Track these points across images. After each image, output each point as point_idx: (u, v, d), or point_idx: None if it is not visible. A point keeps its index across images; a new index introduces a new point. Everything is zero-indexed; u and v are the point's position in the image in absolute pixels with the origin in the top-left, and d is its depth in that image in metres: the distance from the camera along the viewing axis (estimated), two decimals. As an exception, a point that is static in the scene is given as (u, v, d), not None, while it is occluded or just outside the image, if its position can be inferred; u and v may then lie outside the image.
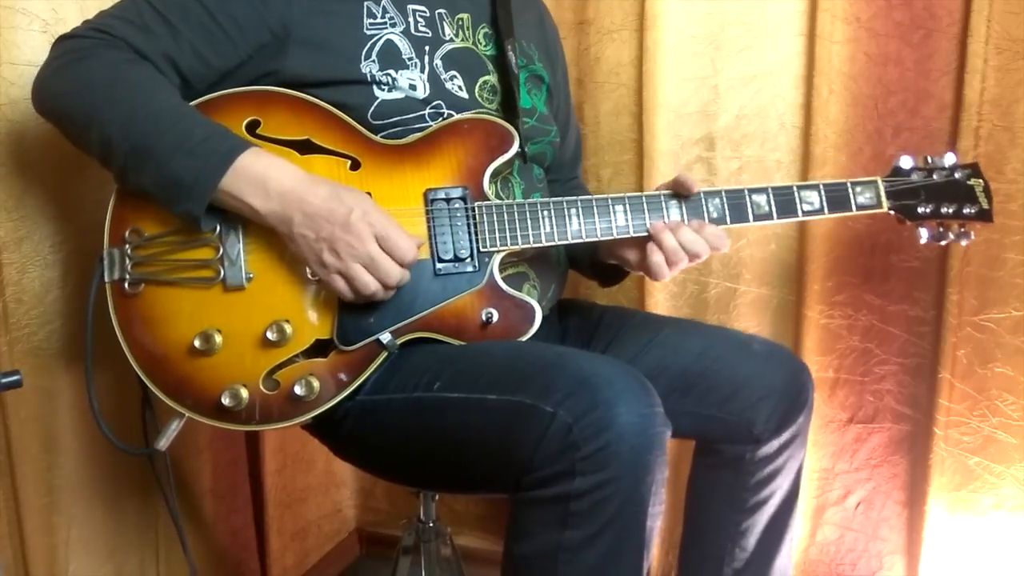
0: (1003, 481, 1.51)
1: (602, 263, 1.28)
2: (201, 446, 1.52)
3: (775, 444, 1.22)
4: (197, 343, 1.03)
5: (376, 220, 1.02)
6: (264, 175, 1.01)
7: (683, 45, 1.56)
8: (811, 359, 1.57)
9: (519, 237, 1.10)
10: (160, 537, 1.44)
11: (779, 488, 1.26)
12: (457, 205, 1.10)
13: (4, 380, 0.94)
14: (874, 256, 1.53)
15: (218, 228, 1.05)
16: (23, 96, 1.16)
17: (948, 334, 1.46)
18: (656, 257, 1.12)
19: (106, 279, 1.06)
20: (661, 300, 1.63)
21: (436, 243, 1.09)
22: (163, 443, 1.10)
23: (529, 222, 1.11)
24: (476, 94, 1.19)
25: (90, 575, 1.33)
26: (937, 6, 1.42)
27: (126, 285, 1.06)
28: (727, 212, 1.15)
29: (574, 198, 1.12)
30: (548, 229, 1.11)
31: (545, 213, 1.11)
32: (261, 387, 1.04)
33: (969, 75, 1.38)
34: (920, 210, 1.19)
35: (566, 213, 1.12)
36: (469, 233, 1.10)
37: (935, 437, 1.50)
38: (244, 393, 1.03)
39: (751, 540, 1.27)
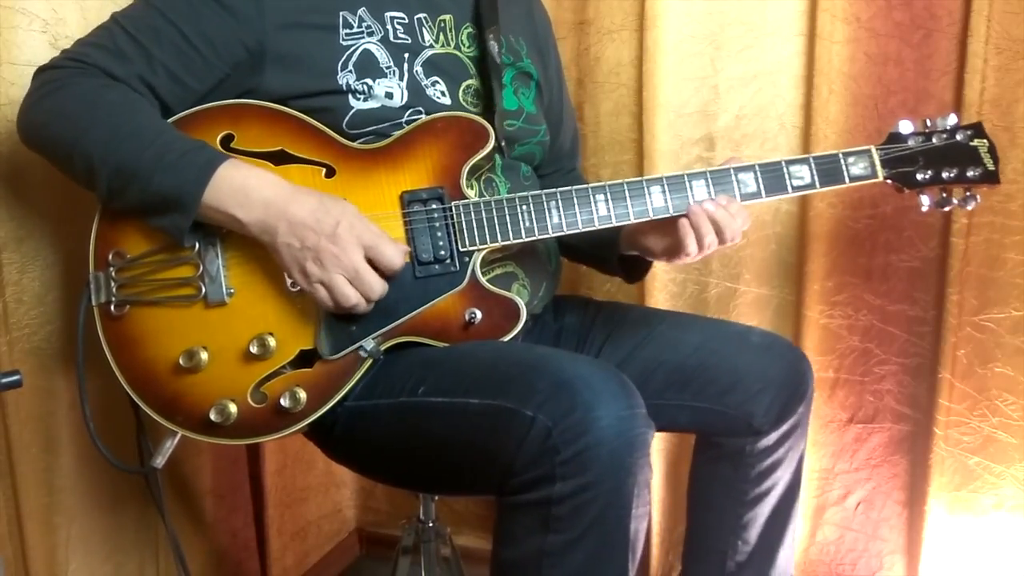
0: (1003, 481, 1.51)
1: (625, 256, 1.26)
2: (201, 447, 1.52)
3: (775, 435, 1.22)
4: (182, 361, 1.04)
5: (363, 231, 1.02)
6: (244, 185, 1.01)
7: (683, 45, 1.56)
8: (811, 359, 1.55)
9: (498, 234, 1.09)
10: (160, 537, 1.44)
11: (780, 480, 1.26)
12: (434, 206, 1.09)
13: (4, 380, 0.94)
14: (874, 256, 1.53)
15: (197, 246, 1.06)
16: (23, 96, 1.16)
17: (948, 334, 1.46)
18: (689, 237, 1.10)
19: (93, 302, 1.07)
20: (661, 300, 1.63)
21: (415, 246, 1.08)
22: (159, 461, 1.11)
23: (508, 218, 1.09)
24: (460, 99, 1.18)
25: (90, 575, 1.33)
26: (937, 6, 1.42)
27: (112, 308, 1.06)
28: (712, 194, 1.12)
29: (553, 190, 1.11)
30: (528, 224, 1.10)
31: (524, 208, 1.10)
32: (249, 401, 1.04)
33: (969, 75, 1.38)
34: (919, 177, 1.13)
35: (545, 207, 1.10)
36: (448, 233, 1.09)
37: (935, 437, 1.50)
38: (232, 408, 1.03)
39: (753, 532, 1.27)
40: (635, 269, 1.32)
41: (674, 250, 1.14)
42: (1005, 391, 1.48)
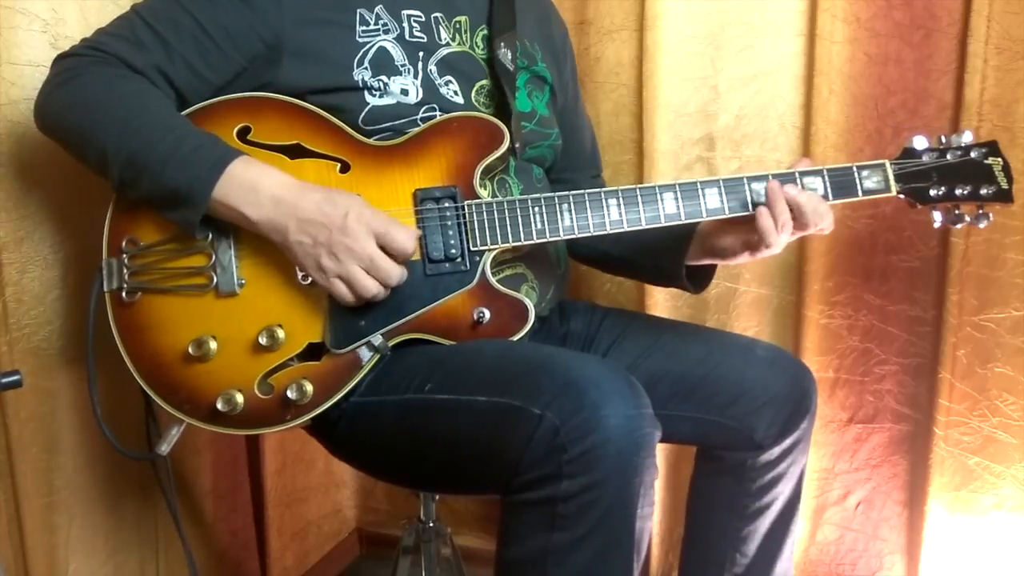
0: (1003, 481, 1.51)
1: (696, 268, 1.24)
2: (201, 446, 1.52)
3: (777, 450, 1.22)
4: (191, 349, 1.04)
5: (372, 220, 1.02)
6: (255, 183, 1.02)
7: (683, 45, 1.56)
8: (811, 359, 1.57)
9: (510, 235, 1.10)
10: (160, 537, 1.44)
11: (781, 494, 1.26)
12: (447, 204, 1.09)
13: (4, 380, 0.94)
14: (874, 256, 1.53)
15: (210, 236, 1.06)
16: (23, 96, 1.16)
17: (948, 334, 1.46)
18: (767, 222, 1.09)
19: (105, 288, 1.07)
20: (661, 300, 1.63)
21: (426, 243, 1.08)
22: (164, 448, 1.11)
23: (520, 219, 1.10)
24: (472, 99, 1.19)
25: (90, 575, 1.33)
26: (937, 6, 1.42)
27: (124, 294, 1.07)
28: (726, 202, 1.12)
29: (565, 193, 1.11)
30: (539, 226, 1.10)
31: (536, 210, 1.10)
32: (256, 391, 1.05)
33: (969, 75, 1.38)
34: (932, 192, 1.13)
35: (557, 209, 1.10)
36: (460, 232, 1.09)
37: (935, 437, 1.50)
38: (239, 398, 1.04)
39: (752, 546, 1.27)
40: (700, 278, 1.29)
41: (754, 242, 1.12)
42: (1005, 391, 1.48)
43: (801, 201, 1.09)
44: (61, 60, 1.08)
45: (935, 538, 1.55)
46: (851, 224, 1.53)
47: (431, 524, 1.40)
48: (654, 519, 1.70)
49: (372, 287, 1.02)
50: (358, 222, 1.01)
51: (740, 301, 1.63)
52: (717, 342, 1.29)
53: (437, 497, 1.42)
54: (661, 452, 1.67)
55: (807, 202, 1.09)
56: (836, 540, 1.66)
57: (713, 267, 1.27)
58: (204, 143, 1.03)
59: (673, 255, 1.23)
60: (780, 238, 1.10)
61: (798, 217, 1.09)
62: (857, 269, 1.54)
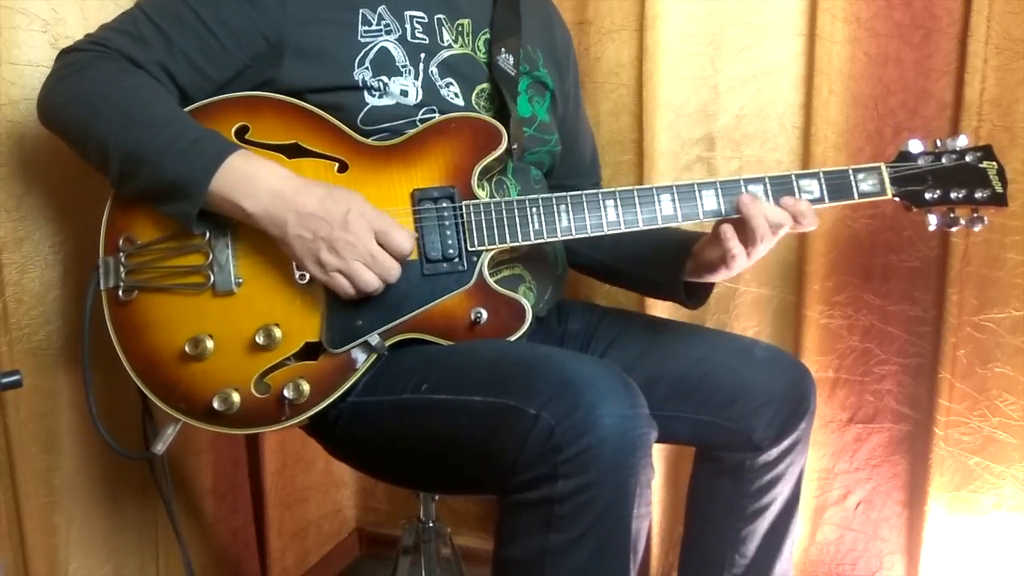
0: (1003, 481, 1.51)
1: (694, 283, 1.24)
2: (201, 446, 1.52)
3: (776, 451, 1.22)
4: (188, 348, 1.04)
5: (373, 217, 1.02)
6: (254, 176, 1.02)
7: (683, 45, 1.56)
8: (811, 359, 1.57)
9: (507, 235, 1.10)
10: (160, 537, 1.44)
11: (780, 495, 1.25)
12: (444, 204, 1.09)
13: (4, 380, 0.94)
14: (874, 256, 1.53)
15: (208, 234, 1.06)
16: (23, 96, 1.16)
17: (948, 334, 1.46)
18: (735, 242, 1.09)
19: (102, 287, 1.07)
20: (661, 301, 1.63)
21: (424, 243, 1.09)
22: (160, 447, 1.11)
23: (517, 220, 1.10)
24: (473, 101, 1.19)
25: (90, 575, 1.33)
26: (937, 6, 1.42)
27: (120, 293, 1.07)
28: (722, 204, 1.12)
29: (563, 194, 1.11)
30: (537, 227, 1.10)
31: (534, 210, 1.10)
32: (252, 391, 1.05)
33: (969, 75, 1.38)
34: (927, 196, 1.14)
35: (555, 210, 1.10)
36: (457, 232, 1.09)
37: (935, 437, 1.50)
38: (235, 397, 1.04)
39: (751, 547, 1.27)
40: (697, 294, 1.28)
41: (726, 257, 1.11)
42: (1005, 391, 1.48)
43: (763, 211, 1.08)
44: (64, 55, 1.09)
45: (935, 538, 1.55)
46: (851, 224, 1.53)
47: (431, 524, 1.40)
48: (654, 518, 1.70)
49: (373, 281, 1.03)
50: (360, 218, 1.01)
51: (740, 301, 1.63)
52: (716, 342, 1.29)
53: (437, 497, 1.42)
54: (661, 451, 1.67)
55: (771, 212, 1.09)
56: (836, 540, 1.66)
57: (711, 285, 1.26)
58: (203, 136, 1.03)
59: (671, 269, 1.23)
60: (757, 249, 1.09)
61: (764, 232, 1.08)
62: (857, 269, 1.54)
